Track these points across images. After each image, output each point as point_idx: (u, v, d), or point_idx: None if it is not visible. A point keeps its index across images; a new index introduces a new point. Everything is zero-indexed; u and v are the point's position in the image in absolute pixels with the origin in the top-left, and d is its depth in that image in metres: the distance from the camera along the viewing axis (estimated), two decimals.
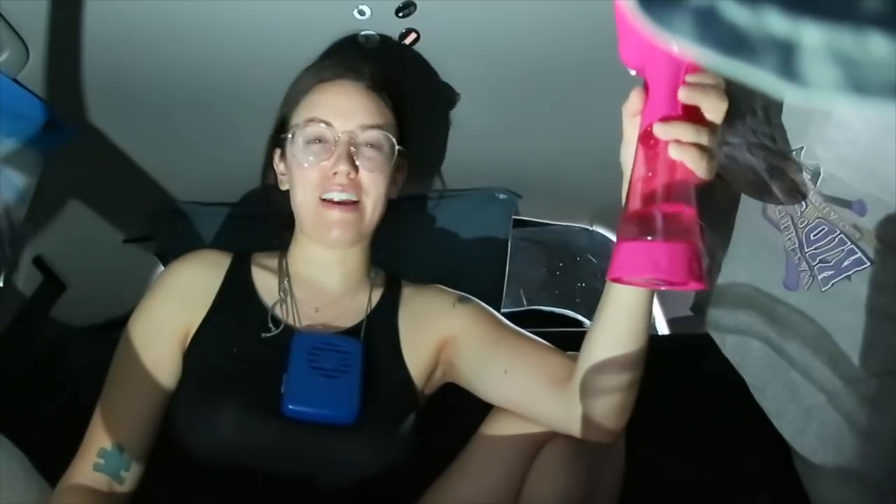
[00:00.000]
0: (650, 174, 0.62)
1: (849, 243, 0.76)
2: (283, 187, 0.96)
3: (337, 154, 0.88)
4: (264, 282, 0.95)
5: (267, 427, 0.82)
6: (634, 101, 0.66)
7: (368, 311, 0.95)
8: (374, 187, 0.90)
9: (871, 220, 0.71)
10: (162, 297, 0.92)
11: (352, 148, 0.89)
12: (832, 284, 0.79)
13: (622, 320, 0.78)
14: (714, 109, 0.62)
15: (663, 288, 0.66)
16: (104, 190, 1.20)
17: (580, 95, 1.06)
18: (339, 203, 0.89)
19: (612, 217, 1.54)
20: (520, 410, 0.89)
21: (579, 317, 1.97)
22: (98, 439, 0.83)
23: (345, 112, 0.89)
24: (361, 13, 0.88)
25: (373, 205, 0.91)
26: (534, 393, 0.87)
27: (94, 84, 0.96)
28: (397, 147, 0.92)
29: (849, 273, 0.77)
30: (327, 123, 0.89)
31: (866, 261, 0.75)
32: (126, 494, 0.84)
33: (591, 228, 1.62)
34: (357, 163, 0.89)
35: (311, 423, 0.82)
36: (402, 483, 0.88)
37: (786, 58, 0.21)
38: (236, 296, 0.93)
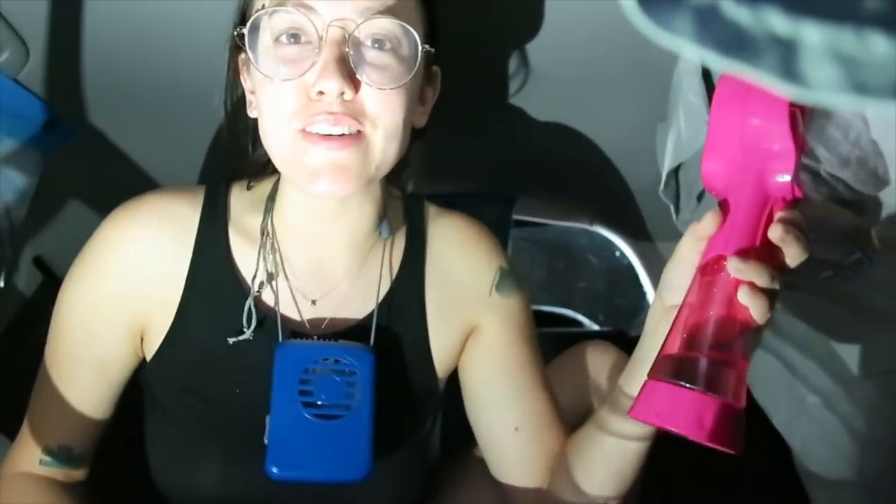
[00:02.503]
0: (705, 310, 0.54)
1: (849, 243, 0.76)
2: (252, 113, 0.66)
3: (323, 61, 0.55)
4: (244, 251, 0.69)
5: (254, 486, 0.65)
6: (709, 224, 0.56)
7: (380, 294, 0.70)
8: (386, 113, 0.58)
9: (871, 220, 0.71)
10: (106, 278, 0.67)
11: (347, 49, 0.56)
12: (832, 285, 0.79)
13: (620, 455, 0.68)
14: (797, 257, 0.53)
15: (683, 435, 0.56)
16: (104, 190, 1.20)
17: (580, 95, 1.06)
18: (329, 137, 0.58)
19: (612, 217, 1.54)
20: (495, 467, 0.77)
21: (579, 317, 1.97)
22: (43, 437, 0.70)
23: None
24: None
25: (385, 139, 0.59)
26: (525, 467, 0.75)
27: (94, 84, 0.96)
28: (422, 47, 0.59)
29: (848, 273, 0.77)
30: (305, 7, 0.56)
31: (866, 261, 0.75)
32: (82, 479, 0.74)
33: (591, 228, 1.62)
34: (358, 76, 0.57)
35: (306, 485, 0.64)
36: None
37: (786, 57, 0.21)
38: (210, 277, 0.67)
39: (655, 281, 1.78)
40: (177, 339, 0.67)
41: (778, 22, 0.21)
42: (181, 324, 0.67)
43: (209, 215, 0.69)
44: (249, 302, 0.66)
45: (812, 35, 0.20)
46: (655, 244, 1.62)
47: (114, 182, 1.20)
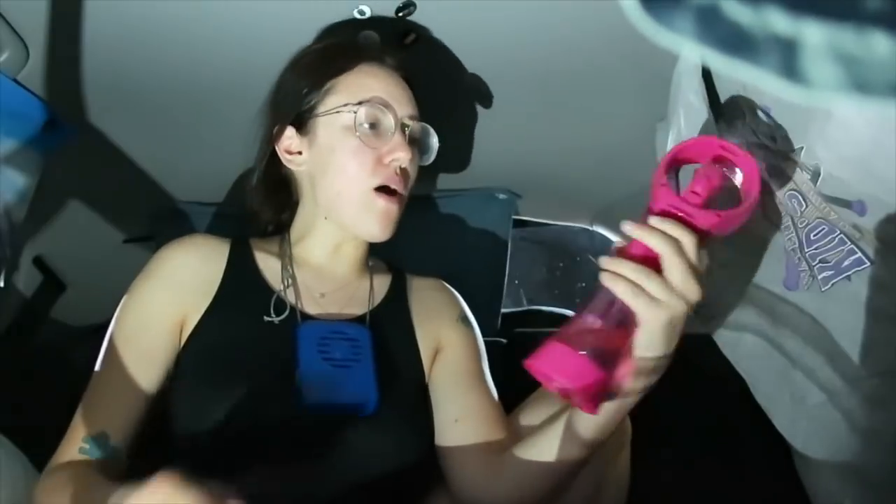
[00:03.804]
0: (605, 302, 0.67)
1: (849, 243, 0.76)
2: (297, 167, 0.91)
3: (398, 142, 0.84)
4: (269, 265, 0.91)
5: (282, 418, 0.78)
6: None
7: (372, 297, 0.93)
8: (411, 181, 0.89)
9: (871, 220, 0.71)
10: (156, 286, 0.86)
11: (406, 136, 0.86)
12: (832, 284, 0.79)
13: (578, 441, 0.76)
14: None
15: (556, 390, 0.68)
16: (104, 190, 1.20)
17: (580, 95, 1.06)
18: (391, 193, 0.85)
19: (612, 217, 1.54)
20: (441, 457, 0.88)
21: None
22: (84, 426, 0.79)
23: (400, 98, 0.87)
24: (361, 13, 0.88)
25: (406, 198, 0.89)
26: (465, 457, 0.87)
27: (94, 84, 0.96)
28: (438, 145, 0.91)
29: (849, 273, 0.77)
30: (387, 106, 0.85)
31: (866, 261, 0.75)
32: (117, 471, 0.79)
33: (591, 228, 1.62)
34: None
35: (329, 415, 0.79)
36: (419, 479, 0.87)
37: (787, 57, 0.21)
38: (241, 282, 0.88)
39: None
40: (208, 321, 0.84)
41: (779, 21, 0.21)
42: (210, 314, 0.84)
43: (237, 243, 0.92)
44: (279, 293, 0.87)
45: (813, 34, 0.20)
46: None
47: (114, 182, 1.20)
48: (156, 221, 1.34)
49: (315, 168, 0.88)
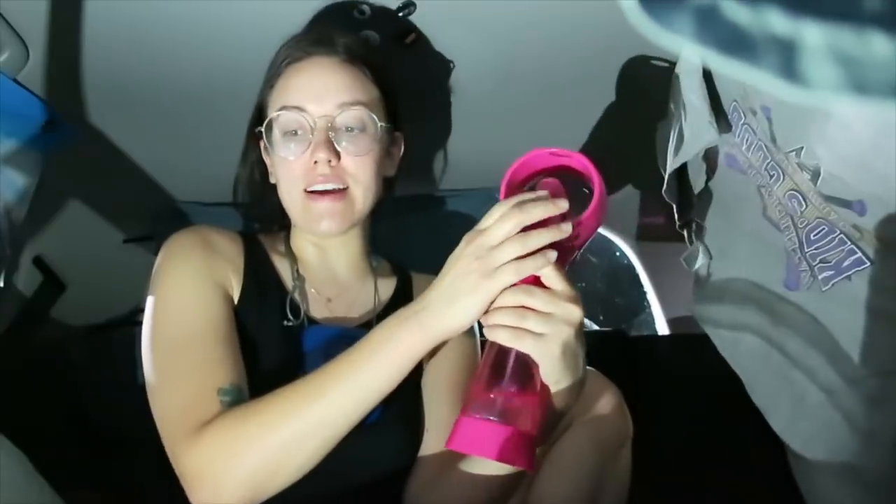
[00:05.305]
0: (497, 356, 0.65)
1: (849, 243, 0.76)
2: (273, 180, 0.91)
3: (314, 143, 0.81)
4: (280, 265, 0.90)
5: None
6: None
7: (377, 301, 0.92)
8: (361, 172, 0.84)
9: (871, 220, 0.71)
10: (198, 260, 0.82)
11: (331, 133, 0.82)
12: (832, 284, 0.79)
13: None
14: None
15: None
16: (104, 190, 1.20)
17: (580, 95, 1.06)
18: (326, 193, 0.83)
19: (612, 217, 1.54)
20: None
21: None
22: (211, 381, 0.74)
23: (318, 93, 0.83)
24: (361, 13, 0.88)
25: (363, 190, 0.85)
26: (422, 466, 0.85)
27: (94, 84, 0.96)
28: (380, 124, 0.84)
29: (849, 273, 0.77)
30: (300, 109, 0.82)
31: (866, 261, 0.75)
32: None
33: None
34: (338, 148, 0.82)
35: None
36: None
37: (787, 57, 0.21)
38: (262, 279, 0.87)
39: (655, 281, 1.79)
40: (244, 314, 0.82)
41: (778, 22, 0.21)
42: (244, 303, 0.83)
43: (248, 239, 0.90)
44: (291, 296, 0.87)
45: (812, 35, 0.20)
46: (655, 244, 1.62)
47: (114, 182, 1.20)
48: (156, 221, 1.34)
49: (275, 179, 0.90)
